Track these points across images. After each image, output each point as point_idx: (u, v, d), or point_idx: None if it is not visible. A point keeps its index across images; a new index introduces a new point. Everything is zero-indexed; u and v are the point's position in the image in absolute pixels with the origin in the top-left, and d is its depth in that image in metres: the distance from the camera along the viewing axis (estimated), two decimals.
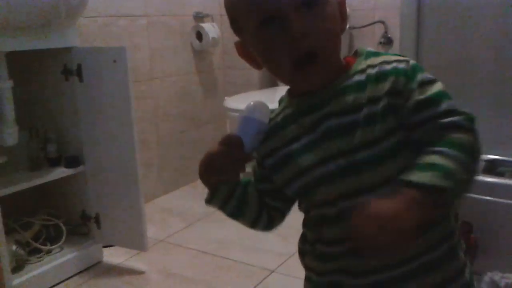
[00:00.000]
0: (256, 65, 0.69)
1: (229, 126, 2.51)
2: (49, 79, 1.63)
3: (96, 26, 1.93)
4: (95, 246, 1.71)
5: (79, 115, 1.60)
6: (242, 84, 2.59)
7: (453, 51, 2.24)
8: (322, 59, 0.62)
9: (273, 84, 2.57)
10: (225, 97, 2.33)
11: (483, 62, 2.12)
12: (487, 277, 1.36)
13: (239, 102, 2.12)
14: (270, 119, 0.70)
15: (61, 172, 1.58)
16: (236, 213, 0.74)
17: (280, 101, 0.73)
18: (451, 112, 0.60)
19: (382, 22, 2.39)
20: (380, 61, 0.65)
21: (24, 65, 1.60)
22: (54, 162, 1.61)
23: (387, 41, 2.39)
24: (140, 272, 1.67)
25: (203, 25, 2.38)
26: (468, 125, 0.60)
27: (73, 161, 1.62)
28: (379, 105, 0.61)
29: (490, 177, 1.46)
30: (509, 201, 1.41)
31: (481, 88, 2.15)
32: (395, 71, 0.63)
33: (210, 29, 2.39)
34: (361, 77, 0.64)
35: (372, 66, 0.64)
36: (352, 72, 0.65)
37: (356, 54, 0.68)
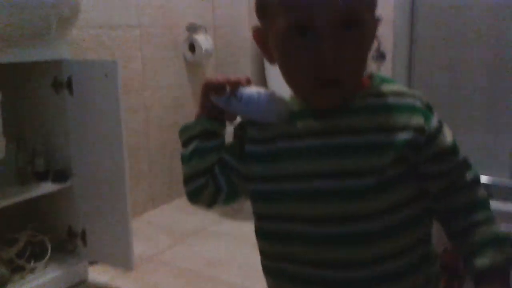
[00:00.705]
0: (270, 58, 0.66)
1: None
2: (38, 91, 1.59)
3: (88, 36, 1.89)
4: (81, 264, 1.66)
5: (68, 129, 1.56)
6: None
7: (446, 67, 2.24)
8: (346, 85, 0.60)
9: None
10: None
11: (477, 80, 2.12)
12: None
13: None
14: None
15: (48, 187, 1.54)
16: (197, 154, 0.71)
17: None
18: (466, 164, 0.64)
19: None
20: (395, 90, 0.64)
21: (12, 76, 1.56)
22: (42, 176, 1.56)
23: (380, 56, 2.37)
24: None
25: (196, 36, 2.35)
26: (479, 177, 0.64)
27: (61, 176, 1.57)
28: (392, 135, 0.60)
29: None
30: (502, 225, 1.39)
31: (474, 107, 2.15)
32: (412, 108, 0.62)
33: (203, 41, 2.36)
34: (376, 101, 0.63)
35: (387, 94, 0.63)
36: (366, 94, 0.63)
37: (370, 77, 0.66)
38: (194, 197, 0.73)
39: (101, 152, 1.52)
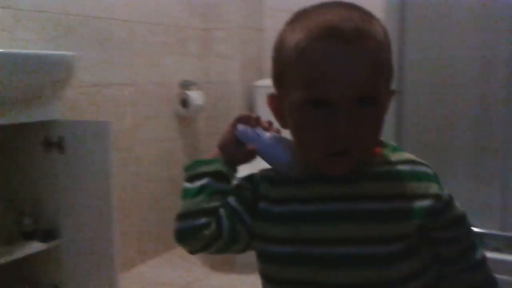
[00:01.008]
0: (283, 123, 0.66)
1: None
2: (28, 150, 1.62)
3: (81, 95, 1.94)
4: None
5: (58, 188, 1.58)
6: None
7: (434, 120, 2.29)
8: (356, 155, 0.61)
9: None
10: None
11: (464, 134, 2.16)
12: None
13: None
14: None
15: (35, 247, 1.54)
16: (206, 192, 0.70)
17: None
18: (472, 234, 0.66)
19: None
20: (408, 158, 0.65)
21: (2, 135, 1.59)
22: (29, 236, 1.57)
23: None
24: None
25: (188, 92, 2.41)
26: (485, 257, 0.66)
27: (48, 235, 1.58)
28: (414, 203, 0.61)
29: None
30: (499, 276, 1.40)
31: (463, 160, 2.18)
32: (428, 176, 0.64)
33: (196, 96, 2.42)
34: (393, 169, 0.64)
35: (402, 162, 0.65)
36: (381, 162, 0.65)
37: (383, 145, 0.67)
38: (187, 236, 0.70)
39: (90, 211, 1.54)
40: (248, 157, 0.72)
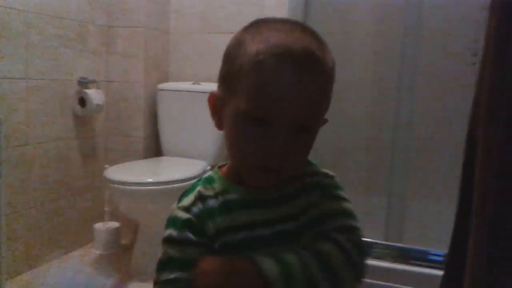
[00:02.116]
0: (218, 124, 0.67)
1: (107, 197, 2.41)
2: None
3: None
4: None
5: None
6: (124, 151, 2.53)
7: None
8: (284, 174, 0.64)
9: (158, 154, 2.56)
10: (105, 165, 2.25)
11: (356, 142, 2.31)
12: None
13: (119, 173, 2.06)
14: (210, 196, 0.69)
15: None
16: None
17: (210, 180, 0.71)
18: (346, 230, 0.66)
19: None
20: (312, 171, 0.70)
21: None
22: None
23: None
24: None
25: (87, 91, 2.31)
26: (348, 247, 0.64)
27: None
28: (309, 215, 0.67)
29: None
30: (378, 282, 1.53)
31: (351, 168, 2.33)
32: (320, 185, 0.69)
33: (95, 95, 2.33)
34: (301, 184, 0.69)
35: (306, 175, 0.69)
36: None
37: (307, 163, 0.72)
38: None
39: None
40: None
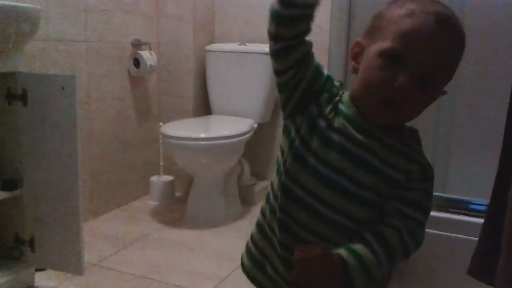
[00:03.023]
0: (354, 68, 0.78)
1: (162, 152, 2.58)
2: None
3: (37, 50, 1.94)
4: (27, 270, 1.69)
5: (20, 139, 1.61)
6: (176, 110, 2.68)
7: None
8: (402, 115, 0.74)
9: (207, 113, 2.69)
10: (160, 123, 2.40)
11: None
12: None
13: (174, 129, 2.21)
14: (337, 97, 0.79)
15: None
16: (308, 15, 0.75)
17: (342, 93, 0.80)
18: (417, 224, 0.78)
19: None
20: (416, 146, 0.80)
21: None
22: None
23: None
24: None
25: (141, 52, 2.45)
26: (411, 244, 0.77)
27: (10, 184, 1.61)
28: (403, 178, 0.77)
29: None
30: (432, 231, 1.63)
31: None
32: (424, 160, 0.79)
33: (148, 56, 2.47)
34: (405, 148, 0.78)
35: (411, 146, 0.79)
36: (403, 136, 0.79)
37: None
38: (289, 19, 0.73)
39: (54, 162, 1.58)
40: None
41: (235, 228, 2.31)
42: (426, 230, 1.66)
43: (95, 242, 2.10)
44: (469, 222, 1.67)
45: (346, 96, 0.80)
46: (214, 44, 2.64)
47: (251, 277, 0.87)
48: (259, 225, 0.86)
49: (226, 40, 2.71)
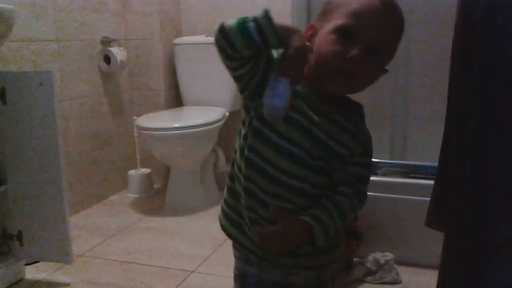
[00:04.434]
0: (309, 47, 0.85)
1: (138, 146, 2.65)
2: None
3: (9, 50, 1.98)
4: (17, 264, 1.75)
5: (2, 136, 1.66)
6: (148, 104, 2.75)
7: None
8: (353, 84, 0.84)
9: (179, 104, 2.77)
10: (134, 117, 2.47)
11: None
12: (370, 257, 1.68)
13: (149, 121, 2.28)
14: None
15: None
16: (253, 41, 0.79)
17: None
18: (360, 194, 0.91)
19: None
20: (360, 123, 0.91)
21: None
22: None
23: None
24: (65, 284, 1.75)
25: (111, 49, 2.51)
26: (358, 205, 0.90)
27: None
28: (347, 153, 0.88)
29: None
30: (385, 195, 1.76)
31: None
32: (365, 137, 0.91)
33: (118, 52, 2.53)
34: (351, 125, 0.88)
35: (356, 124, 0.90)
36: (350, 113, 0.89)
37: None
38: (231, 49, 0.81)
39: (37, 157, 1.64)
40: (294, 54, 0.81)
41: (214, 212, 2.40)
42: (392, 195, 1.79)
43: (80, 235, 2.16)
44: (430, 185, 1.82)
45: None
46: (182, 37, 2.71)
47: (231, 236, 0.96)
48: (229, 189, 0.95)
49: (194, 33, 2.79)
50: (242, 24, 0.78)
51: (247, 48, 0.80)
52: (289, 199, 0.87)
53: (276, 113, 0.81)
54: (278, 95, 0.79)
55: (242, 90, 0.88)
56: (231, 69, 0.86)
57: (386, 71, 0.88)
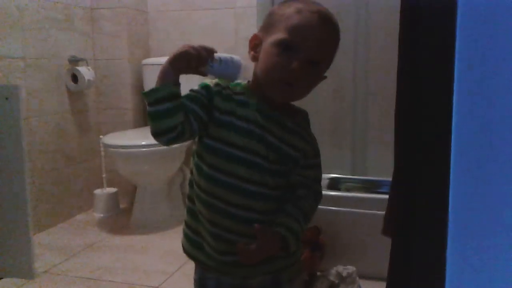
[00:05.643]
0: (254, 57, 0.92)
1: (104, 165, 2.65)
2: None
3: None
4: None
5: None
6: (116, 123, 2.76)
7: None
8: (295, 92, 0.91)
9: (146, 124, 2.79)
10: (100, 136, 2.48)
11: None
12: (333, 270, 1.73)
13: (115, 139, 2.30)
14: (235, 92, 0.92)
15: None
16: (169, 112, 0.85)
17: (236, 84, 0.94)
18: (317, 194, 0.99)
19: None
20: (307, 127, 0.99)
21: None
22: None
23: None
24: None
25: (78, 68, 2.53)
26: (315, 205, 0.99)
27: None
28: (300, 155, 0.95)
29: (333, 191, 1.87)
30: (347, 209, 1.82)
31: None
32: (314, 140, 0.99)
33: (86, 71, 2.55)
34: (300, 129, 0.96)
35: (304, 128, 0.98)
36: (298, 119, 0.97)
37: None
38: (176, 139, 0.87)
39: (1, 172, 1.64)
40: (198, 74, 0.90)
41: (179, 230, 2.35)
42: (353, 209, 1.85)
43: (44, 252, 2.13)
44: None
45: (243, 86, 0.95)
46: (150, 58, 2.76)
47: (191, 256, 1.01)
48: (189, 211, 0.99)
49: (162, 54, 2.84)
50: (153, 113, 0.85)
51: (174, 113, 0.85)
52: (252, 206, 0.91)
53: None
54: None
55: (206, 127, 0.92)
56: (194, 136, 0.92)
57: (324, 77, 0.95)
